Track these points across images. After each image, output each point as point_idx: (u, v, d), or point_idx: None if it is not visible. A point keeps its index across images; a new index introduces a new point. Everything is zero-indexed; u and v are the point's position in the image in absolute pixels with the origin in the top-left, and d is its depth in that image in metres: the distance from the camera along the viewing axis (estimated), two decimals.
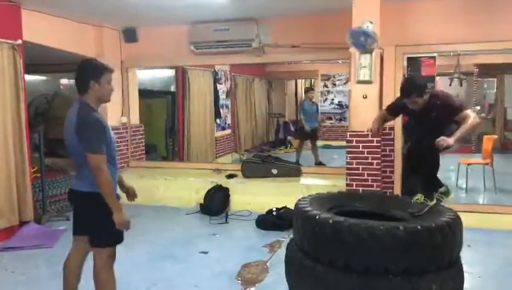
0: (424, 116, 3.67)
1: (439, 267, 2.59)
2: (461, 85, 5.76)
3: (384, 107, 4.37)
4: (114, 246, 2.77)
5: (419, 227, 2.53)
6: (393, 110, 4.08)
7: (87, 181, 2.61)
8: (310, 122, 8.52)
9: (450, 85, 5.83)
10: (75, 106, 2.69)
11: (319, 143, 11.58)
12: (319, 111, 9.66)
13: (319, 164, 8.12)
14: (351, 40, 4.39)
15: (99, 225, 2.66)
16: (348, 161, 4.81)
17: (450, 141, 3.33)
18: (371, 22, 4.42)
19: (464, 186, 6.30)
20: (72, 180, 2.91)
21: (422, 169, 3.94)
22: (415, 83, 3.82)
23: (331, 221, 2.64)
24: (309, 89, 9.36)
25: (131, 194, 3.22)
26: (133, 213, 5.68)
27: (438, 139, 3.33)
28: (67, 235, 4.84)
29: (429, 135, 3.53)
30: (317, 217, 2.72)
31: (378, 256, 2.51)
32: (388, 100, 5.09)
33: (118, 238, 2.76)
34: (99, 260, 2.76)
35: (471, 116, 3.53)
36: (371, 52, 4.44)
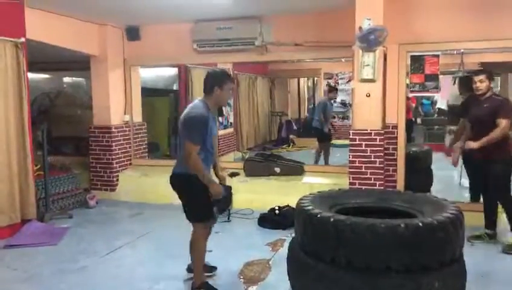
0: (480, 108, 4.14)
1: (442, 264, 2.58)
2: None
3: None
4: (204, 222, 3.32)
5: (420, 224, 2.52)
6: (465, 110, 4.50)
7: (181, 165, 3.27)
8: (327, 123, 8.42)
9: (454, 84, 5.80)
10: (195, 101, 3.29)
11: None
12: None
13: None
14: (363, 44, 4.42)
15: (190, 203, 3.29)
16: (350, 159, 4.79)
17: (474, 145, 4.08)
18: (369, 19, 4.41)
19: (467, 185, 6.26)
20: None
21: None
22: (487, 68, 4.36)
23: (332, 219, 2.63)
24: (332, 89, 9.10)
25: (221, 181, 3.60)
26: (137, 211, 5.73)
27: (466, 142, 4.13)
28: (71, 233, 4.87)
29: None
30: (318, 215, 2.71)
31: (380, 254, 2.50)
32: (391, 98, 5.10)
33: (207, 216, 3.30)
34: (194, 233, 3.37)
35: (499, 127, 4.03)
36: (374, 51, 4.44)
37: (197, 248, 3.34)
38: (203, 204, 3.24)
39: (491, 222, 4.37)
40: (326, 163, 8.08)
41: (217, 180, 3.42)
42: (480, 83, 4.15)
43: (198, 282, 3.32)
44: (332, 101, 8.81)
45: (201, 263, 3.38)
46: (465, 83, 5.40)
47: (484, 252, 4.14)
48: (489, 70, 4.32)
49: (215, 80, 3.22)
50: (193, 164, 3.12)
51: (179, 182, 3.31)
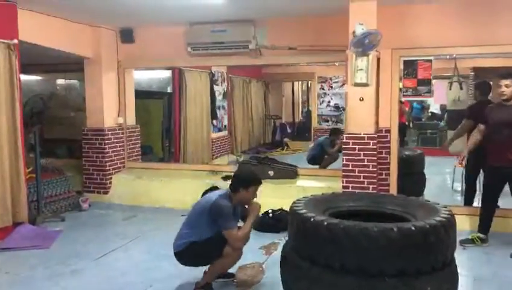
0: (508, 112, 4.08)
1: (434, 268, 2.60)
2: (461, 88, 5.78)
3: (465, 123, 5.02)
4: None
5: (413, 227, 2.53)
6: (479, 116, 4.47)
7: (182, 239, 3.32)
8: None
9: (450, 89, 5.84)
10: (222, 192, 3.42)
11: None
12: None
13: None
14: (359, 49, 4.44)
15: (211, 254, 3.30)
16: (344, 163, 4.81)
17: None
18: (362, 24, 4.44)
19: (460, 189, 6.31)
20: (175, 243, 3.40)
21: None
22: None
23: (325, 223, 2.64)
24: (336, 132, 8.10)
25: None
26: (130, 214, 5.70)
27: None
28: (63, 236, 4.84)
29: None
30: (312, 219, 2.72)
31: (373, 257, 2.51)
32: (385, 103, 5.13)
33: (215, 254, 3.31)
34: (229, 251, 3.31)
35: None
36: (367, 55, 4.47)
37: (222, 263, 3.34)
38: (218, 244, 3.26)
39: (485, 226, 4.37)
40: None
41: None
42: (507, 88, 4.02)
43: (204, 282, 3.36)
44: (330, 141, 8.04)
45: (219, 272, 3.43)
46: (482, 87, 5.40)
47: (476, 256, 4.16)
48: None
49: (243, 182, 3.33)
50: (246, 238, 3.31)
51: (189, 254, 3.31)
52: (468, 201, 5.24)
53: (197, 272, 3.78)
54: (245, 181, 3.33)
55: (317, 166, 7.42)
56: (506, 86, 4.03)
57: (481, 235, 4.34)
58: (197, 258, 3.32)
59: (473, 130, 4.58)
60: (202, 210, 3.29)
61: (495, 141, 4.20)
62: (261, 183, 3.40)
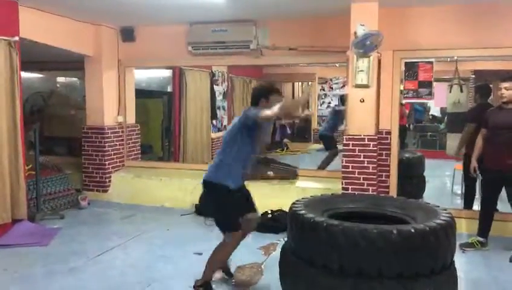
0: (508, 115, 4.05)
1: (433, 271, 2.60)
2: (462, 91, 5.78)
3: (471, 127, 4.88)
4: (235, 230, 3.27)
5: (412, 230, 2.53)
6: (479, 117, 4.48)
7: (216, 173, 3.26)
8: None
9: (450, 92, 5.84)
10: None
11: (315, 146, 11.62)
12: None
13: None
14: (360, 50, 4.43)
15: (220, 212, 3.33)
16: (344, 164, 4.81)
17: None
18: (363, 25, 4.44)
19: (459, 192, 6.31)
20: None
21: None
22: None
23: (324, 224, 2.64)
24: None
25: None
26: (129, 213, 5.70)
27: None
28: (62, 234, 4.83)
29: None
30: (311, 220, 2.72)
31: (372, 259, 2.51)
32: (385, 104, 5.13)
33: (237, 225, 3.27)
34: (224, 239, 3.34)
35: None
36: (368, 56, 4.47)
37: (222, 251, 3.34)
38: (233, 214, 3.27)
39: (485, 230, 4.35)
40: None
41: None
42: (506, 91, 4.04)
43: (203, 280, 3.33)
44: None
45: (217, 266, 3.42)
46: (482, 90, 5.40)
47: (475, 259, 4.16)
48: None
49: (261, 92, 3.30)
50: (269, 115, 3.01)
51: (210, 190, 3.32)
52: (468, 204, 5.24)
53: (196, 272, 3.77)
54: (264, 91, 3.30)
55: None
56: (506, 88, 4.04)
57: (481, 239, 4.33)
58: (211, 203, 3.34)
59: (477, 132, 4.56)
60: (231, 131, 3.28)
61: (494, 144, 4.20)
62: (280, 93, 3.37)
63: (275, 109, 2.93)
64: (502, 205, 4.51)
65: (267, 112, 2.97)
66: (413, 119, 11.82)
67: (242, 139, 3.20)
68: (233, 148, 3.22)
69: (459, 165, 6.63)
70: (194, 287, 3.33)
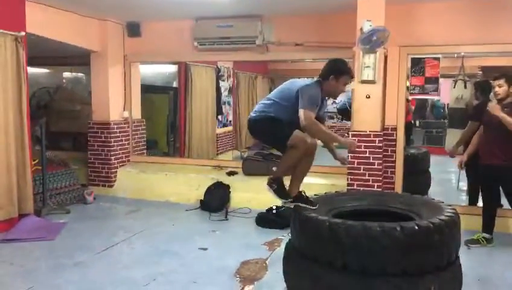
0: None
1: (438, 267, 2.59)
2: (465, 87, 5.74)
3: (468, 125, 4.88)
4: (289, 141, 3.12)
5: (416, 227, 2.52)
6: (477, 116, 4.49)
7: (262, 110, 3.26)
8: None
9: (454, 87, 5.80)
10: (312, 80, 3.29)
11: (320, 142, 11.56)
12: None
13: None
14: (367, 46, 4.41)
15: (279, 136, 3.22)
16: (349, 160, 4.79)
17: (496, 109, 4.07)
18: (369, 21, 4.42)
19: (465, 188, 6.27)
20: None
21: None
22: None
23: (328, 223, 2.63)
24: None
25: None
26: (134, 208, 5.72)
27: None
28: (68, 229, 4.86)
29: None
30: (314, 219, 2.71)
31: (376, 257, 2.51)
32: (391, 101, 5.11)
33: (286, 136, 3.14)
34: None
35: None
36: (375, 52, 4.44)
37: (293, 152, 3.17)
38: (282, 129, 3.19)
39: (489, 226, 4.35)
40: None
41: None
42: (499, 88, 4.10)
43: (275, 176, 3.29)
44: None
45: (288, 164, 3.30)
46: (483, 87, 5.37)
47: (481, 256, 4.14)
48: (510, 74, 4.19)
49: (334, 69, 3.20)
50: (315, 129, 3.09)
51: (261, 123, 3.25)
52: (472, 201, 5.21)
53: (201, 267, 3.79)
54: (338, 70, 3.20)
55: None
56: (499, 85, 4.11)
57: (486, 235, 4.32)
58: (266, 131, 3.27)
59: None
60: (288, 92, 3.24)
61: (487, 140, 4.26)
62: (353, 76, 3.32)
63: (321, 127, 3.10)
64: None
65: (309, 116, 3.03)
66: (434, 116, 11.64)
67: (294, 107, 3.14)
68: (287, 107, 3.19)
69: None
70: (269, 181, 3.28)
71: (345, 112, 8.16)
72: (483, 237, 4.31)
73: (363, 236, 2.49)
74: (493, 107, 4.06)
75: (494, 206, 4.36)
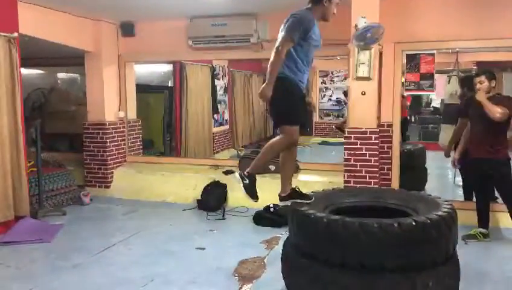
0: (482, 107, 4.06)
1: (436, 263, 2.60)
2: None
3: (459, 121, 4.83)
4: (291, 124, 3.06)
5: (413, 223, 2.53)
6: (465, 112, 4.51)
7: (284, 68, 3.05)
8: None
9: (449, 83, 5.82)
10: (301, 9, 3.18)
11: (317, 139, 11.61)
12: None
13: None
14: (361, 43, 4.41)
15: (279, 105, 3.07)
16: (345, 157, 4.80)
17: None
18: (364, 17, 4.41)
19: (461, 184, 6.30)
20: None
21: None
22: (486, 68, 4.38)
23: (325, 220, 2.64)
24: None
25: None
26: (131, 209, 5.70)
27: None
28: (65, 230, 4.84)
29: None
30: (312, 215, 2.71)
31: (374, 253, 2.51)
32: (387, 97, 5.11)
33: (294, 119, 3.07)
34: (277, 137, 3.15)
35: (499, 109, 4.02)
36: (369, 49, 4.44)
37: (271, 150, 3.14)
38: (292, 108, 3.07)
39: (485, 220, 4.38)
40: None
41: None
42: (480, 84, 4.17)
43: (252, 171, 3.18)
44: None
45: (265, 162, 3.25)
46: (468, 82, 5.38)
47: (478, 251, 4.15)
48: (490, 70, 4.31)
49: None
50: (275, 56, 2.94)
51: (280, 83, 3.08)
52: (468, 196, 5.23)
53: (199, 267, 3.79)
54: None
55: None
56: (480, 82, 4.19)
57: (483, 230, 4.35)
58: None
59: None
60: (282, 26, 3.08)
61: (473, 134, 4.32)
62: None
63: (272, 72, 2.91)
64: None
65: (275, 59, 2.93)
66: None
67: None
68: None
69: None
70: (241, 174, 3.21)
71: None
72: (480, 232, 4.34)
73: (360, 232, 2.49)
74: (479, 94, 4.13)
75: (487, 201, 4.40)
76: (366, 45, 4.46)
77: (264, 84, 2.99)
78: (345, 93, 8.41)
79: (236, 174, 3.25)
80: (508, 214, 4.23)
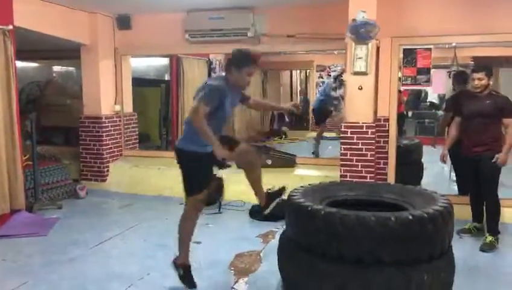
0: (480, 103, 4.07)
1: (431, 257, 2.61)
2: None
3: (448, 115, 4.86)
4: (196, 194, 3.26)
5: (410, 217, 2.54)
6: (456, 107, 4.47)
7: (185, 139, 3.19)
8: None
9: (450, 77, 5.83)
10: (217, 75, 3.10)
11: (313, 134, 11.60)
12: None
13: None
14: (353, 35, 4.40)
15: (187, 177, 3.29)
16: (342, 152, 4.80)
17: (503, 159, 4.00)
18: (364, 12, 4.40)
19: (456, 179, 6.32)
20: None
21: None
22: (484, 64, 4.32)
23: (322, 212, 2.64)
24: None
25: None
26: (127, 202, 5.70)
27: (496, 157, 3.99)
28: (60, 224, 4.83)
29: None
30: (309, 208, 2.72)
31: (371, 246, 2.52)
32: (383, 92, 5.11)
33: (200, 189, 3.25)
34: (185, 208, 3.37)
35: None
36: (371, 41, 4.43)
37: (184, 225, 3.32)
38: (199, 180, 3.24)
39: (477, 215, 4.39)
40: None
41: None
42: (479, 81, 4.07)
43: (182, 261, 3.28)
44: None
45: (188, 242, 3.32)
46: (460, 77, 5.40)
47: (473, 245, 4.17)
48: (489, 67, 4.21)
49: (234, 60, 3.14)
50: (199, 126, 2.90)
51: (181, 156, 3.26)
52: (462, 190, 5.25)
53: (195, 261, 3.78)
54: (238, 61, 3.10)
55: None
56: (479, 79, 4.08)
57: (477, 225, 4.37)
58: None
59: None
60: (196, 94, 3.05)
61: (467, 130, 4.26)
62: (254, 64, 3.11)
63: (205, 127, 2.86)
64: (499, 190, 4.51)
65: (198, 111, 2.86)
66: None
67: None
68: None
69: None
70: (173, 262, 3.32)
71: (320, 112, 8.32)
72: (475, 227, 4.36)
73: (357, 225, 2.50)
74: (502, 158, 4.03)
75: (479, 196, 4.36)
76: (357, 38, 4.45)
77: (216, 151, 2.96)
78: (335, 79, 8.49)
79: (172, 264, 3.34)
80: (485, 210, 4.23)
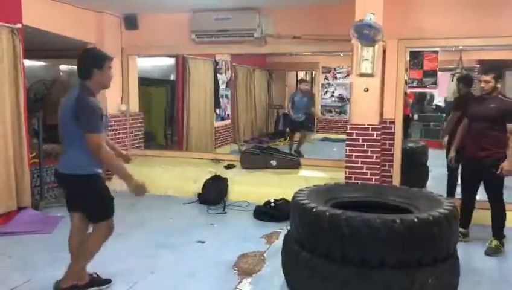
0: (485, 106, 4.02)
1: (436, 260, 2.61)
2: None
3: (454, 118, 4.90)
4: (108, 219, 3.14)
5: (415, 219, 2.53)
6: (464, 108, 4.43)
7: (75, 164, 2.95)
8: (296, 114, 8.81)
9: (452, 80, 5.83)
10: (75, 90, 2.95)
11: (318, 136, 11.60)
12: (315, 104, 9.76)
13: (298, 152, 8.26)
14: (355, 34, 4.40)
15: (91, 203, 3.09)
16: (347, 153, 4.79)
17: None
18: (373, 14, 4.39)
19: (459, 182, 6.29)
20: (59, 162, 3.14)
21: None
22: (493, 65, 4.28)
23: (327, 213, 2.64)
24: (302, 81, 9.39)
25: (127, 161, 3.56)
26: (131, 201, 5.70)
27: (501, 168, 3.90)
28: (65, 222, 4.84)
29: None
30: (314, 209, 2.72)
31: (375, 248, 2.52)
32: (389, 94, 5.10)
33: (110, 212, 3.15)
34: (94, 232, 3.18)
35: None
36: (373, 45, 4.42)
37: (91, 248, 3.16)
38: (105, 202, 3.13)
39: (465, 220, 4.29)
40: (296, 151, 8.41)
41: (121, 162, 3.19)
42: (486, 84, 4.02)
43: (72, 282, 3.13)
44: (303, 93, 8.97)
45: (86, 263, 3.19)
46: (465, 80, 5.40)
47: (476, 247, 4.15)
48: (498, 69, 4.16)
49: (92, 62, 2.94)
50: (106, 156, 2.85)
51: (73, 184, 3.04)
52: (450, 192, 5.22)
53: (199, 260, 3.80)
54: (94, 61, 2.94)
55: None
56: (486, 81, 4.04)
57: (463, 230, 4.19)
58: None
59: (460, 121, 4.56)
60: (73, 118, 2.85)
61: (472, 133, 4.21)
62: (112, 58, 3.06)
63: (113, 159, 2.88)
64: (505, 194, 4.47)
65: (99, 143, 2.77)
66: None
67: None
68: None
69: None
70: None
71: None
72: (460, 232, 4.06)
73: (362, 227, 2.49)
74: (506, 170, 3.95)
75: (472, 201, 4.31)
76: (359, 38, 4.43)
77: (129, 186, 3.02)
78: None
79: None
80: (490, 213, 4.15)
